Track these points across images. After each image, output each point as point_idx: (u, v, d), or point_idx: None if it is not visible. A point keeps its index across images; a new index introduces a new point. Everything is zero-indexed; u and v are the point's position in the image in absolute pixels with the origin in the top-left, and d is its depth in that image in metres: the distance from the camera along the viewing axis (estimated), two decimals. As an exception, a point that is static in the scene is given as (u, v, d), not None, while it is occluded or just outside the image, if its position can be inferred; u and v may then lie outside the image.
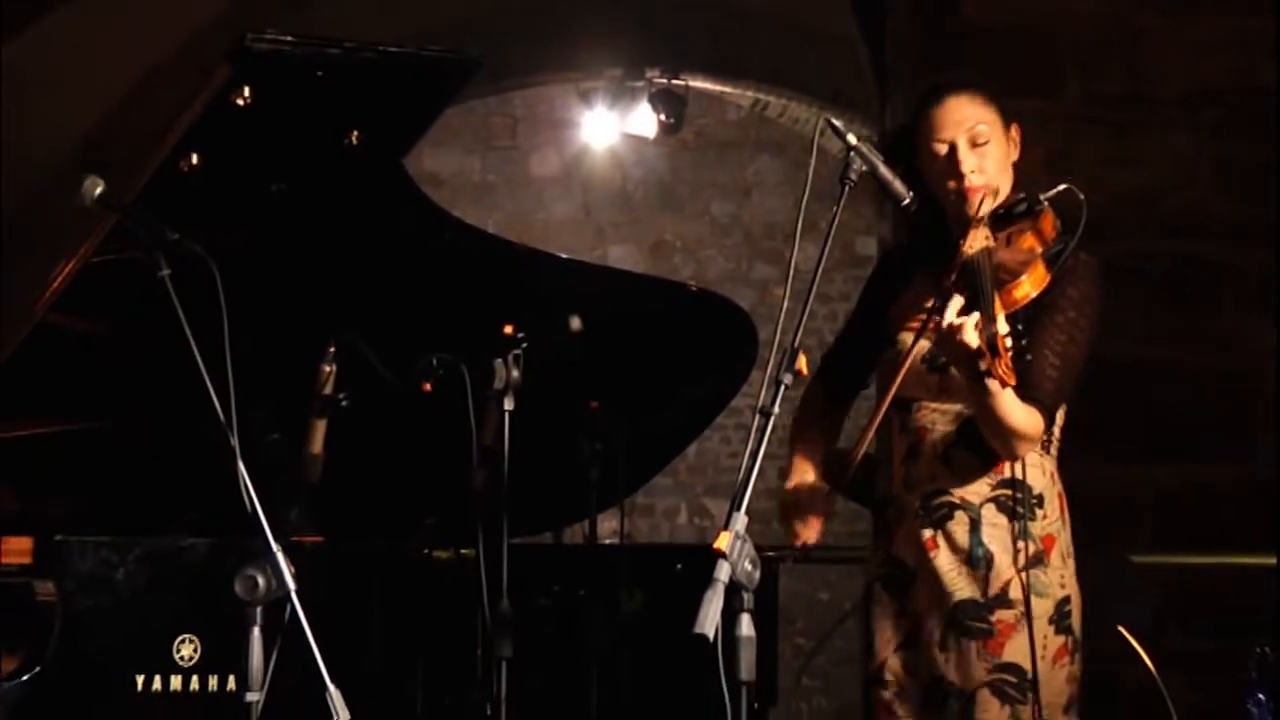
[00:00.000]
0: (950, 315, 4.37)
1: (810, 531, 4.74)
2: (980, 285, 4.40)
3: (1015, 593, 4.61)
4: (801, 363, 4.32)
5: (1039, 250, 4.55)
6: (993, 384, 4.36)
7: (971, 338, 4.31)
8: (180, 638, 4.67)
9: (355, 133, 4.97)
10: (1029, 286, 4.51)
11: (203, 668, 4.67)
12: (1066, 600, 4.68)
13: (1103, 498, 7.12)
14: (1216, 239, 7.63)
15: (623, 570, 5.50)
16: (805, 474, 4.86)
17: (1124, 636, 6.33)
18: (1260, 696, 5.99)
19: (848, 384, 4.99)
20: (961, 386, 4.56)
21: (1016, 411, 4.48)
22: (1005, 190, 4.71)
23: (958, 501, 4.67)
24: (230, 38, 4.83)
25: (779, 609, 5.79)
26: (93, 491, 5.26)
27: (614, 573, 5.48)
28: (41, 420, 5.30)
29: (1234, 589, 7.01)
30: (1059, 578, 4.68)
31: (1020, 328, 4.38)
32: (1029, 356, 4.39)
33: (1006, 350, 4.28)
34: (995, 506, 4.65)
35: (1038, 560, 4.64)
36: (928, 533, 4.68)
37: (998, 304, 4.41)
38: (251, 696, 4.27)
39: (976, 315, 4.33)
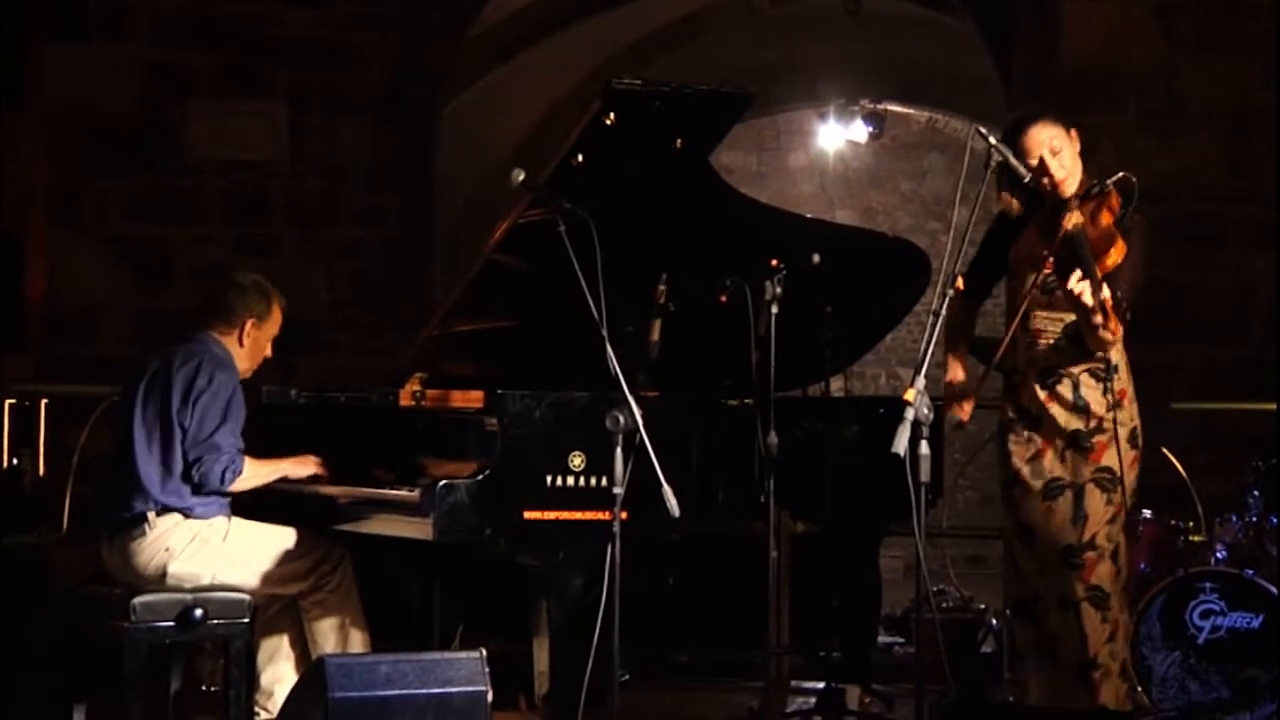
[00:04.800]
0: (1072, 284, 4.25)
1: (964, 410, 4.67)
2: (1083, 258, 4.24)
3: (1107, 424, 4.53)
4: (959, 282, 4.28)
5: (1114, 224, 4.38)
6: (1101, 329, 4.27)
7: (1089, 300, 4.21)
8: (573, 452, 4.62)
9: (679, 140, 4.86)
10: (1115, 255, 4.33)
11: (587, 471, 4.61)
12: (1136, 429, 4.61)
13: (1154, 367, 6.88)
14: (1224, 202, 7.45)
15: (845, 413, 5.40)
16: (957, 372, 4.77)
17: (1166, 455, 6.12)
18: (1256, 493, 5.76)
19: (979, 293, 4.82)
20: (1060, 302, 4.44)
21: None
22: (1079, 175, 4.53)
23: (1063, 373, 4.57)
24: (601, 82, 4.79)
25: (944, 436, 5.60)
26: (520, 363, 5.24)
27: (840, 414, 5.37)
28: (489, 320, 5.29)
29: (1238, 422, 6.82)
30: (1129, 416, 4.59)
31: (1119, 294, 4.25)
32: (1119, 294, 4.27)
33: (1113, 310, 4.21)
34: (1088, 374, 4.55)
35: (1118, 404, 4.55)
36: (1044, 393, 4.58)
37: (1098, 272, 4.26)
38: (617, 490, 4.32)
39: (1087, 284, 4.21)
